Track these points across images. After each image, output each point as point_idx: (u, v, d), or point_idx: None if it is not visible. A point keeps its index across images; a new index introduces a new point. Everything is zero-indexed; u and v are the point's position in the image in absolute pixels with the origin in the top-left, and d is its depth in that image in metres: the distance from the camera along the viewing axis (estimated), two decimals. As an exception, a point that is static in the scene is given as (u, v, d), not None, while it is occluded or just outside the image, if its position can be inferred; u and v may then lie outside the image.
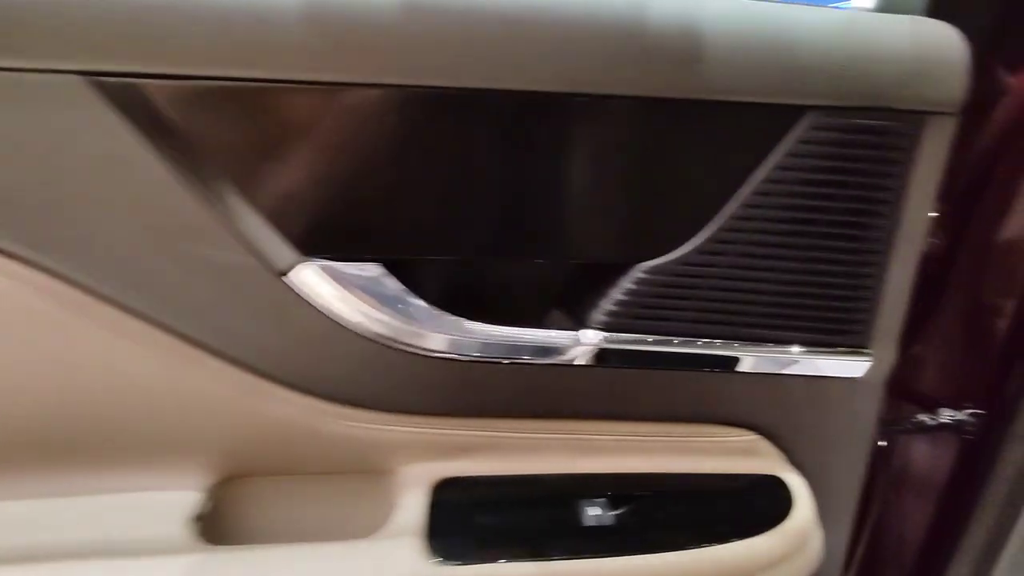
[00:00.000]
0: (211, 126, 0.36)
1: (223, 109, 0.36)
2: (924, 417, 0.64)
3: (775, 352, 0.46)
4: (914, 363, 0.68)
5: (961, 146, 0.64)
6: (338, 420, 0.44)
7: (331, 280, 0.40)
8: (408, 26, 0.35)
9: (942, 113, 0.41)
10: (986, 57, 0.58)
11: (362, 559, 0.40)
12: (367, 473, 0.47)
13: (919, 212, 0.44)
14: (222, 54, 0.34)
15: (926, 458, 0.69)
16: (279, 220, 0.39)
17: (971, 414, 0.62)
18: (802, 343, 0.46)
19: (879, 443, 0.68)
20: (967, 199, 0.62)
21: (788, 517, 0.46)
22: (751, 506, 0.47)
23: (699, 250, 0.43)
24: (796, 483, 0.49)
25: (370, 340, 0.42)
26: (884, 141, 0.41)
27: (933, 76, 0.40)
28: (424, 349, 0.43)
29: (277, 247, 0.39)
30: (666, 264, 0.43)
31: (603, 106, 0.39)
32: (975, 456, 0.63)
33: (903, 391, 0.68)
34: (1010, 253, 0.60)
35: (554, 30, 0.37)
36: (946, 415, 0.63)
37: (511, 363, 0.44)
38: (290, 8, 0.34)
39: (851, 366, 0.47)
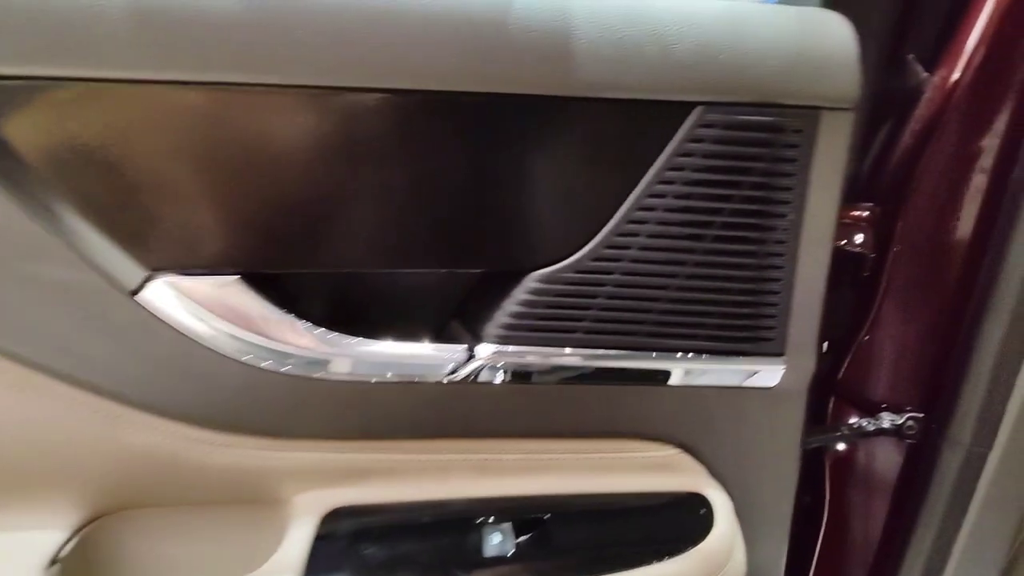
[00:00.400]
0: (36, 132, 0.33)
1: (45, 113, 0.33)
2: (864, 421, 0.62)
3: (682, 362, 0.44)
4: (854, 366, 0.66)
5: (886, 143, 0.63)
6: (216, 447, 0.41)
7: (185, 296, 0.37)
8: (247, 20, 0.33)
9: (836, 108, 0.40)
10: (896, 50, 0.57)
11: None
12: (257, 503, 0.44)
13: (823, 211, 0.43)
14: (40, 50, 0.32)
15: (876, 461, 0.67)
16: (122, 234, 0.36)
17: (910, 418, 0.60)
18: (710, 352, 0.44)
19: (838, 448, 0.67)
20: (894, 198, 0.60)
21: (706, 536, 0.44)
22: (668, 526, 0.45)
23: (593, 256, 0.41)
24: (718, 499, 0.47)
25: (238, 361, 0.39)
26: (776, 138, 0.40)
27: (823, 70, 0.39)
28: (303, 369, 0.40)
29: (124, 264, 0.37)
30: (559, 272, 0.41)
31: (473, 104, 0.37)
32: (916, 460, 0.61)
33: (843, 395, 0.67)
34: (940, 253, 0.58)
35: (413, 24, 0.35)
36: (887, 419, 0.62)
37: (399, 382, 0.41)
38: (118, 3, 0.32)
39: (764, 375, 0.45)
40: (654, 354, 0.43)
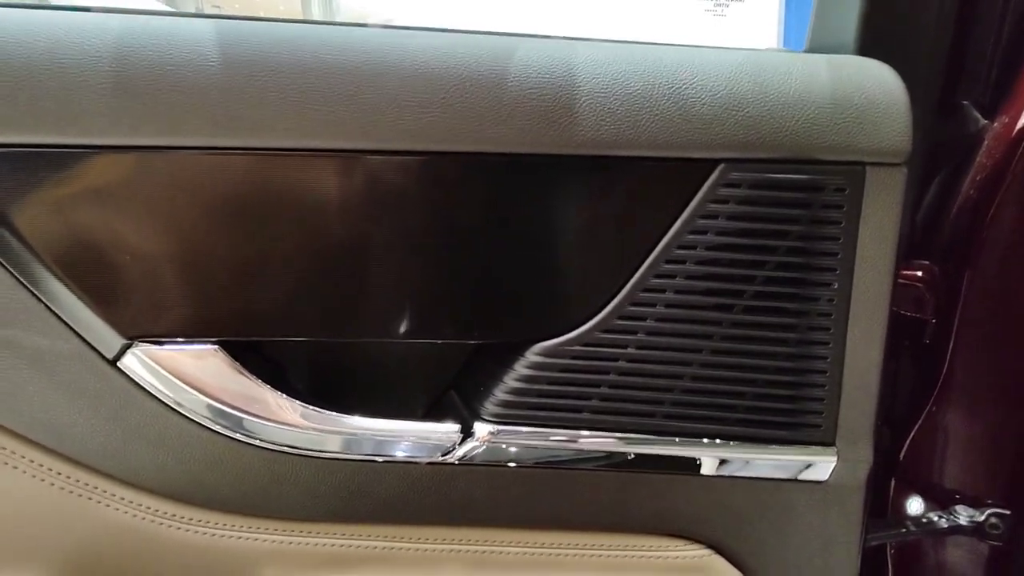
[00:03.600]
0: (15, 199, 0.33)
1: (24, 179, 0.32)
2: (936, 516, 0.53)
3: (711, 449, 0.38)
4: (918, 447, 0.57)
5: (943, 196, 0.57)
6: (191, 525, 0.38)
7: (162, 365, 0.35)
8: (222, 84, 0.32)
9: (884, 164, 0.35)
10: (948, 99, 0.52)
11: None
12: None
13: (876, 277, 0.37)
14: (18, 118, 0.31)
15: (951, 561, 0.57)
16: (101, 301, 0.35)
17: (993, 514, 0.51)
18: (745, 438, 0.38)
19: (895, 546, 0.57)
20: (957, 256, 0.54)
21: None
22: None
23: (604, 327, 0.36)
24: None
25: (217, 433, 0.36)
26: (815, 197, 0.35)
27: (864, 121, 0.34)
28: (283, 445, 0.37)
29: (103, 331, 0.35)
30: (566, 344, 0.37)
31: (471, 165, 0.34)
32: (1003, 565, 0.51)
33: (905, 479, 0.58)
34: (1014, 319, 0.51)
35: (403, 83, 0.33)
36: (963, 515, 0.52)
37: (387, 461, 0.37)
38: (93, 70, 0.31)
39: (811, 467, 0.38)
40: (676, 439, 0.38)
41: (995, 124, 0.51)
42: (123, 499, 0.38)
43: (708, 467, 0.38)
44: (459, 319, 0.37)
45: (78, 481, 0.37)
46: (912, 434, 0.57)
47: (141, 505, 0.38)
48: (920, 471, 0.57)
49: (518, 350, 0.37)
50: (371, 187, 0.34)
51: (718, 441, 0.38)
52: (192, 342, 0.36)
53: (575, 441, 0.37)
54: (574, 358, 0.36)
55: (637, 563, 0.41)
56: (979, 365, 0.53)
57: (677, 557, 0.41)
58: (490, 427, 0.37)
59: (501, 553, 0.40)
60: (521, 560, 0.40)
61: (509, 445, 0.37)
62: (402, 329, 0.37)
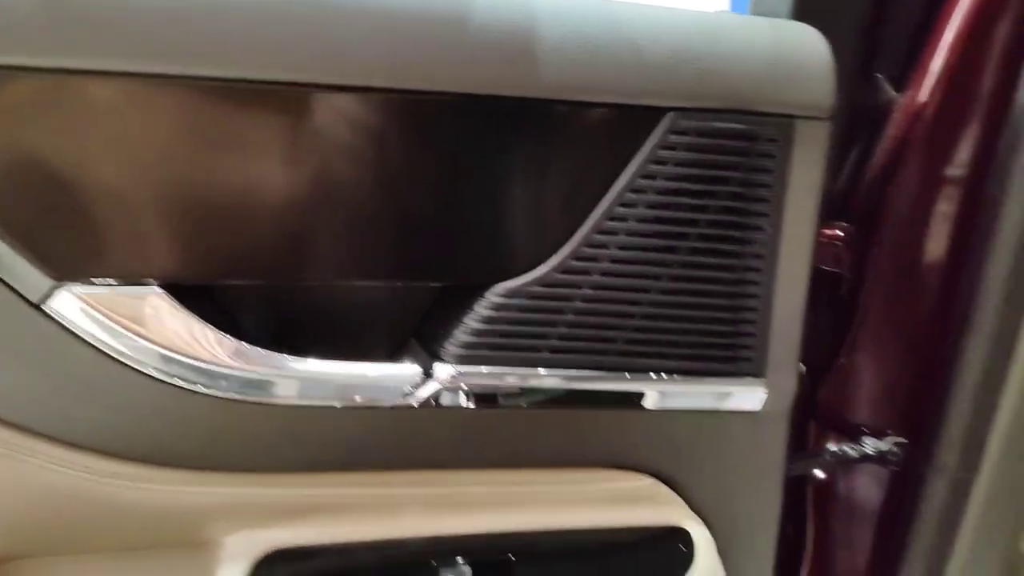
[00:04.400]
0: None
1: None
2: (846, 447, 0.60)
3: (657, 384, 0.41)
4: (833, 390, 0.64)
5: (859, 162, 0.63)
6: (133, 483, 0.36)
7: (97, 308, 0.33)
8: (171, 6, 0.30)
9: (811, 118, 0.38)
10: (867, 68, 0.57)
11: None
12: (182, 547, 0.39)
13: (802, 223, 0.41)
14: None
15: (859, 489, 0.64)
16: (24, 239, 0.32)
17: (894, 443, 0.58)
18: (687, 372, 0.41)
19: (819, 477, 0.64)
20: (868, 218, 0.60)
21: (687, 574, 0.40)
22: (645, 564, 0.41)
23: (561, 268, 0.38)
24: (698, 533, 0.43)
25: (160, 381, 0.34)
26: (751, 147, 0.38)
27: (796, 79, 0.38)
28: (233, 392, 0.36)
29: (27, 272, 0.32)
30: (525, 285, 0.38)
31: (430, 104, 0.34)
32: (901, 488, 0.58)
33: (822, 420, 0.64)
34: (916, 274, 0.57)
35: (360, 17, 0.32)
36: (869, 445, 0.59)
37: (346, 407, 0.37)
38: None
39: (744, 397, 0.42)
40: (627, 375, 0.40)
41: (903, 98, 0.56)
42: (62, 460, 0.35)
43: (653, 401, 0.41)
44: (417, 261, 0.37)
45: (7, 443, 0.34)
46: (828, 379, 0.64)
47: (81, 466, 0.35)
48: (833, 411, 0.64)
49: (477, 292, 0.38)
50: (324, 124, 0.33)
51: (663, 375, 0.41)
52: (130, 284, 0.34)
53: (533, 379, 0.39)
54: (532, 298, 0.38)
55: (591, 495, 0.43)
56: (885, 313, 0.60)
57: (625, 488, 0.44)
58: (451, 368, 0.38)
59: (459, 494, 0.42)
60: (480, 499, 0.42)
61: (469, 385, 0.38)
62: (357, 272, 0.36)
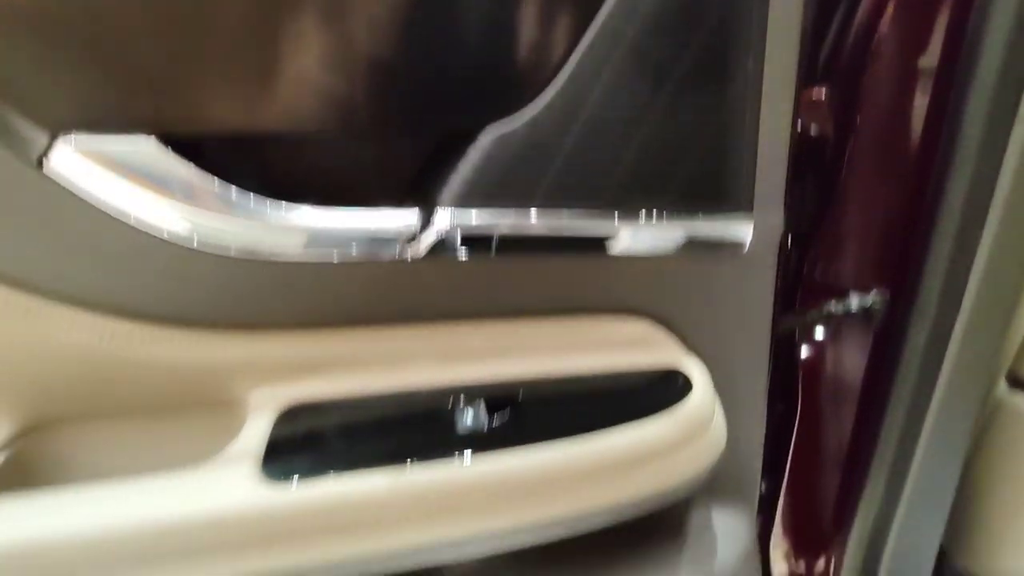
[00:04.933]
0: None
1: None
2: (832, 305, 0.62)
3: (646, 224, 0.42)
4: (821, 255, 0.66)
5: (842, 24, 0.63)
6: (148, 343, 0.37)
7: (98, 162, 0.33)
8: None
9: None
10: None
11: (171, 489, 0.33)
12: (205, 406, 0.41)
13: (783, 58, 0.41)
14: None
15: (847, 356, 0.68)
16: (18, 92, 0.31)
17: (878, 297, 0.60)
18: (678, 210, 0.42)
19: (810, 349, 0.67)
20: (851, 81, 0.60)
21: (683, 401, 0.43)
22: (644, 396, 0.43)
23: (551, 106, 0.38)
24: (693, 368, 0.45)
25: (164, 239, 0.35)
26: None
27: None
28: (235, 247, 0.36)
29: (24, 128, 0.32)
30: (518, 125, 0.38)
31: None
32: (885, 344, 0.61)
33: (811, 285, 0.67)
34: (897, 134, 0.58)
35: None
36: (854, 301, 0.62)
37: (354, 261, 0.38)
38: None
39: (733, 231, 0.44)
40: (617, 215, 0.41)
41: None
42: (67, 320, 0.35)
43: (647, 241, 0.43)
44: (416, 106, 0.37)
45: (13, 303, 0.34)
46: (816, 246, 0.66)
47: (87, 326, 0.36)
48: (820, 276, 0.66)
49: (472, 136, 0.38)
50: None
51: (655, 213, 0.42)
52: (128, 134, 0.34)
53: (531, 221, 0.40)
54: (526, 137, 0.38)
55: (588, 341, 0.45)
56: (868, 177, 0.61)
57: (625, 332, 0.46)
58: (450, 212, 0.39)
59: (466, 344, 0.43)
60: (485, 349, 0.43)
61: (469, 229, 0.39)
62: (353, 121, 0.36)
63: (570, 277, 0.43)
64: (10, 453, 0.37)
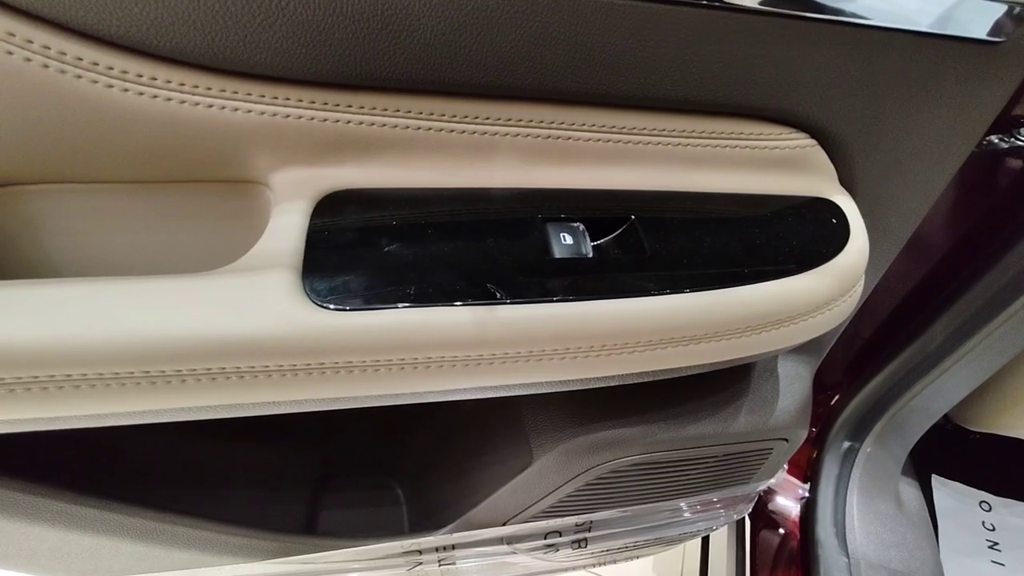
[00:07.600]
0: None
1: None
2: (995, 139, 0.49)
3: None
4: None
5: None
6: (163, 90, 0.25)
7: None
8: None
9: None
10: None
11: (199, 301, 0.24)
12: (223, 183, 0.29)
13: None
14: None
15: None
16: None
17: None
18: None
19: None
20: None
21: (843, 249, 0.33)
22: (793, 236, 0.33)
23: None
24: (849, 208, 0.35)
25: None
26: None
27: None
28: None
29: None
30: None
31: None
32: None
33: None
34: None
35: None
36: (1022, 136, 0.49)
37: None
38: None
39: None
40: None
41: None
42: (37, 49, 0.23)
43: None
44: None
45: (13, 36, 0.23)
46: None
47: (62, 57, 0.24)
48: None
49: None
50: None
51: None
52: None
53: None
54: None
55: (731, 152, 0.33)
56: None
57: (778, 146, 0.33)
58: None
59: (570, 138, 0.31)
60: (589, 148, 0.31)
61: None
62: None
63: (722, 55, 0.29)
64: None
